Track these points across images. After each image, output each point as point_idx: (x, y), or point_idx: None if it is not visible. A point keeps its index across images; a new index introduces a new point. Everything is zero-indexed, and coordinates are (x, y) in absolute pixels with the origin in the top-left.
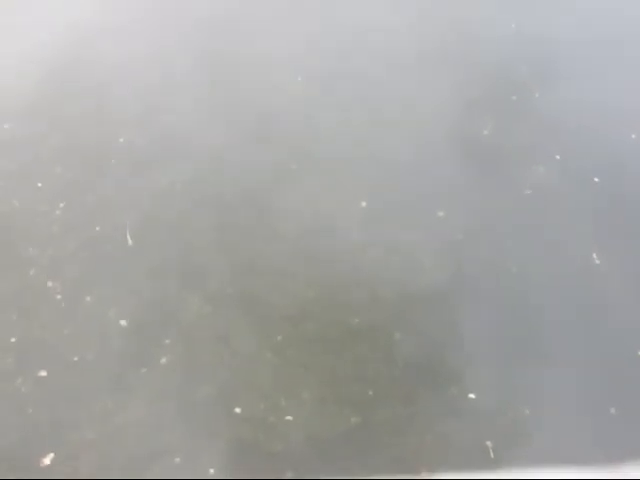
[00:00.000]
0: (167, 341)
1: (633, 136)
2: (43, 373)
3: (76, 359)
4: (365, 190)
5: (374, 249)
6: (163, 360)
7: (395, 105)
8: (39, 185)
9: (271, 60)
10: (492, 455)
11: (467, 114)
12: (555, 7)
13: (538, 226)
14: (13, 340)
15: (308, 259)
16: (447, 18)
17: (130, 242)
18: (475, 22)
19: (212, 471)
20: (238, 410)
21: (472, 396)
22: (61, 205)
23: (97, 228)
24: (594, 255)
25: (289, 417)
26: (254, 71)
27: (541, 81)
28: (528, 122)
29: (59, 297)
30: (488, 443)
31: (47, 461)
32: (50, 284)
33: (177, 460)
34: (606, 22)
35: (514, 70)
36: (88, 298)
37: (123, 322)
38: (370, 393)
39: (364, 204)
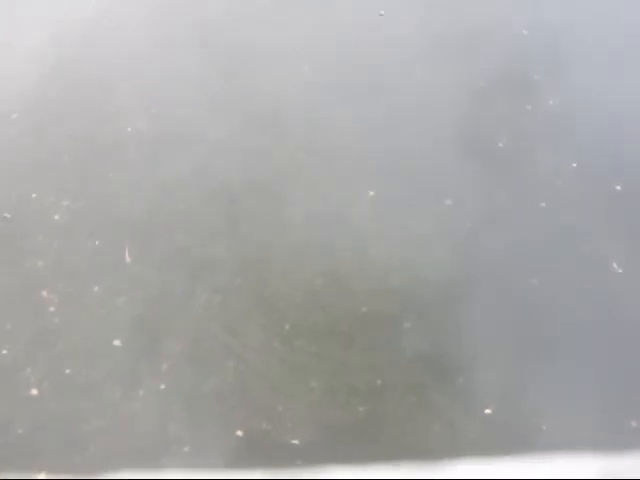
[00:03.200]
0: (175, 333)
1: None
2: (34, 391)
3: (67, 372)
4: (372, 179)
5: (382, 238)
6: (171, 351)
7: (402, 97)
8: (45, 177)
9: (277, 51)
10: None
11: (479, 122)
12: (568, 12)
13: (555, 232)
14: (4, 352)
15: (316, 248)
16: (454, 22)
17: (128, 259)
18: (485, 28)
19: (221, 460)
20: (247, 399)
21: (488, 411)
22: (66, 197)
23: (102, 222)
24: (614, 264)
25: (298, 406)
26: (260, 62)
27: (555, 89)
28: (543, 131)
29: (52, 309)
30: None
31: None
32: (45, 294)
33: (186, 449)
34: (621, 28)
35: (527, 78)
36: (96, 288)
37: (130, 313)
38: (378, 382)
39: (372, 193)
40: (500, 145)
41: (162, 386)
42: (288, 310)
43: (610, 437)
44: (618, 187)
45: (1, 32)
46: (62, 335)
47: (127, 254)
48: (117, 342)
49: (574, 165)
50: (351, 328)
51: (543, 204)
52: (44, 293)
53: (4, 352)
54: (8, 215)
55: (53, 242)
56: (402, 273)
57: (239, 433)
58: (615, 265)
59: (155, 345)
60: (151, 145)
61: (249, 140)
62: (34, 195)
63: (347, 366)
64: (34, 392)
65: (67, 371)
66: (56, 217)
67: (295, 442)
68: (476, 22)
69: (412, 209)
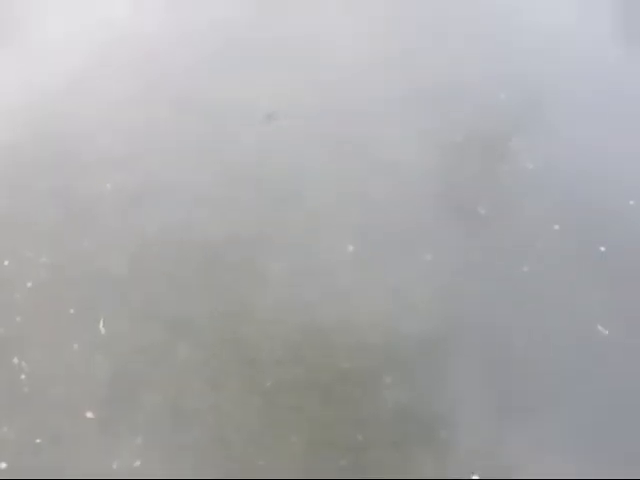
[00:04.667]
0: (155, 388)
1: (631, 202)
2: (3, 465)
3: (37, 442)
4: (352, 234)
5: (362, 292)
6: (150, 406)
7: (382, 153)
8: (22, 234)
9: (256, 102)
10: None
11: (458, 183)
12: (545, 75)
13: (538, 294)
14: None
15: (297, 303)
16: (432, 84)
17: (103, 330)
18: (462, 91)
19: None
20: (228, 454)
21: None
22: (43, 254)
23: (79, 279)
24: (600, 326)
25: (278, 460)
26: (239, 114)
27: (533, 151)
28: (523, 194)
29: (23, 377)
30: None
31: None
32: (16, 360)
33: None
34: (599, 91)
35: (504, 140)
36: (70, 351)
37: (108, 372)
38: (359, 437)
39: (351, 248)
40: (480, 208)
41: (141, 440)
42: (269, 364)
43: None
44: (602, 248)
45: None
46: (33, 404)
47: (102, 325)
48: (90, 414)
49: (556, 227)
50: (332, 382)
51: (525, 268)
52: (15, 360)
53: None
54: None
55: (26, 306)
56: (382, 327)
57: None
58: (600, 327)
59: (133, 400)
60: (130, 199)
61: (230, 194)
62: (10, 252)
63: (328, 421)
64: (3, 465)
65: (37, 440)
66: (32, 277)
67: None
68: (454, 86)
69: (392, 263)
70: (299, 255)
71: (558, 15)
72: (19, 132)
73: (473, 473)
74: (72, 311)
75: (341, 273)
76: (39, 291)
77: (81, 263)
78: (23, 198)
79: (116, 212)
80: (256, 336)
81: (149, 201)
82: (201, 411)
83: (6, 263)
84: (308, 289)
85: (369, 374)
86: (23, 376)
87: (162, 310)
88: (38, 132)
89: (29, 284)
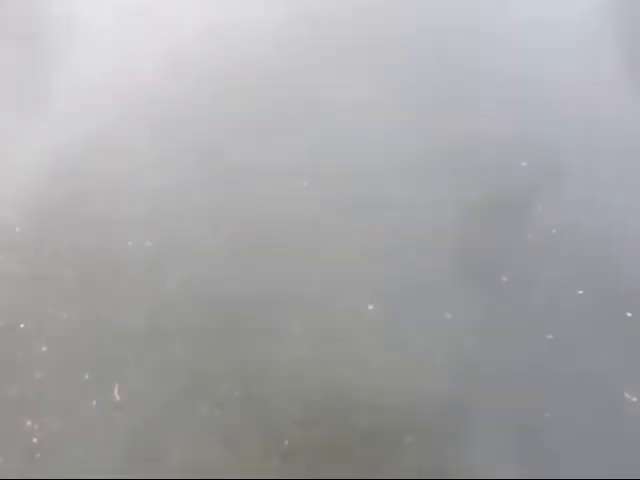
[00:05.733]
0: (173, 446)
1: None
2: None
3: None
4: (372, 293)
5: (382, 352)
6: (169, 464)
7: (402, 216)
8: (42, 292)
9: (275, 166)
10: None
11: (481, 251)
12: (566, 142)
13: (563, 361)
14: None
15: (316, 362)
16: (453, 152)
17: (118, 398)
18: (486, 161)
19: None
20: None
21: None
22: (65, 310)
23: (98, 337)
24: (627, 394)
25: None
26: (261, 177)
27: (557, 216)
28: (546, 259)
29: (35, 441)
30: None
31: None
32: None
33: None
34: (622, 156)
35: (529, 208)
36: (89, 410)
37: (120, 430)
38: None
39: (371, 307)
40: (502, 273)
41: None
42: (287, 424)
43: None
44: (629, 314)
45: (3, 144)
46: (44, 468)
47: (116, 391)
48: (112, 454)
49: (580, 292)
50: (351, 442)
51: (550, 336)
52: (28, 422)
53: None
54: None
55: (41, 369)
56: (402, 387)
57: None
58: (628, 394)
59: (152, 460)
60: (152, 258)
61: (250, 253)
62: (28, 311)
63: None
64: None
65: None
66: (48, 337)
67: None
68: (476, 155)
69: (412, 323)
70: (319, 314)
71: (583, 81)
72: (45, 191)
73: None
74: (87, 376)
75: (361, 332)
76: (55, 353)
77: (99, 322)
78: (43, 256)
79: (137, 271)
80: (275, 396)
81: (168, 261)
82: (219, 471)
83: (22, 326)
84: (328, 348)
85: (388, 434)
86: (35, 439)
87: (179, 370)
88: (60, 191)
89: (44, 348)
